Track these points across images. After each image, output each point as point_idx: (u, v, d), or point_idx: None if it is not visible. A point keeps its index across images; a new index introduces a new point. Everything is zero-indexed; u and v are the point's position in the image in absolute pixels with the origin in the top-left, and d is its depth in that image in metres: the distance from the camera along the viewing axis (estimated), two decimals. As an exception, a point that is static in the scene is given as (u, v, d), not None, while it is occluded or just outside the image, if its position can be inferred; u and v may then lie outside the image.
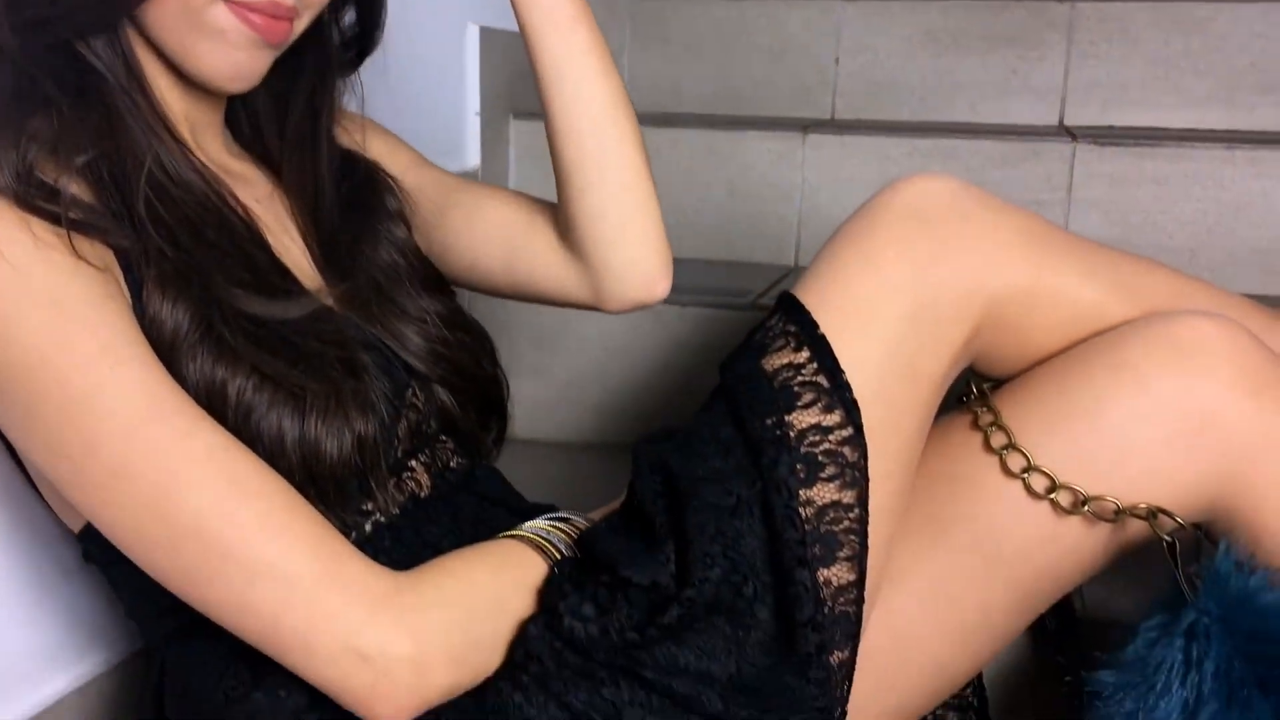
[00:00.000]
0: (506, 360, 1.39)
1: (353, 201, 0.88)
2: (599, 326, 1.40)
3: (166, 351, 0.69)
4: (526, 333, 1.42)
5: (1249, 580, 0.74)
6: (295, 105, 0.86)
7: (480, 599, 0.72)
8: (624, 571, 0.71)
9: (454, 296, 0.95)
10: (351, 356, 0.75)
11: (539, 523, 0.80)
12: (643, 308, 0.94)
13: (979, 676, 1.00)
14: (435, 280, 0.92)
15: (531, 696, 0.70)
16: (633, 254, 0.90)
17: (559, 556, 0.76)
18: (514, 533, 0.78)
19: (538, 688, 0.70)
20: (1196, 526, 0.81)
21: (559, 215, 0.92)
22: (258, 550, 0.65)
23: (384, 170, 0.93)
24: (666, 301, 1.37)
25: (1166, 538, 0.77)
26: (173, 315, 0.70)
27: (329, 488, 0.72)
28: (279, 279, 0.77)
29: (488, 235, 0.94)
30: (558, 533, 0.79)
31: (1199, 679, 0.72)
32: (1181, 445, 0.78)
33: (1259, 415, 0.78)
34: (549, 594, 0.73)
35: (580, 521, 0.81)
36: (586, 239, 0.89)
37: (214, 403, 0.69)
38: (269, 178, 0.86)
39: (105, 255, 0.70)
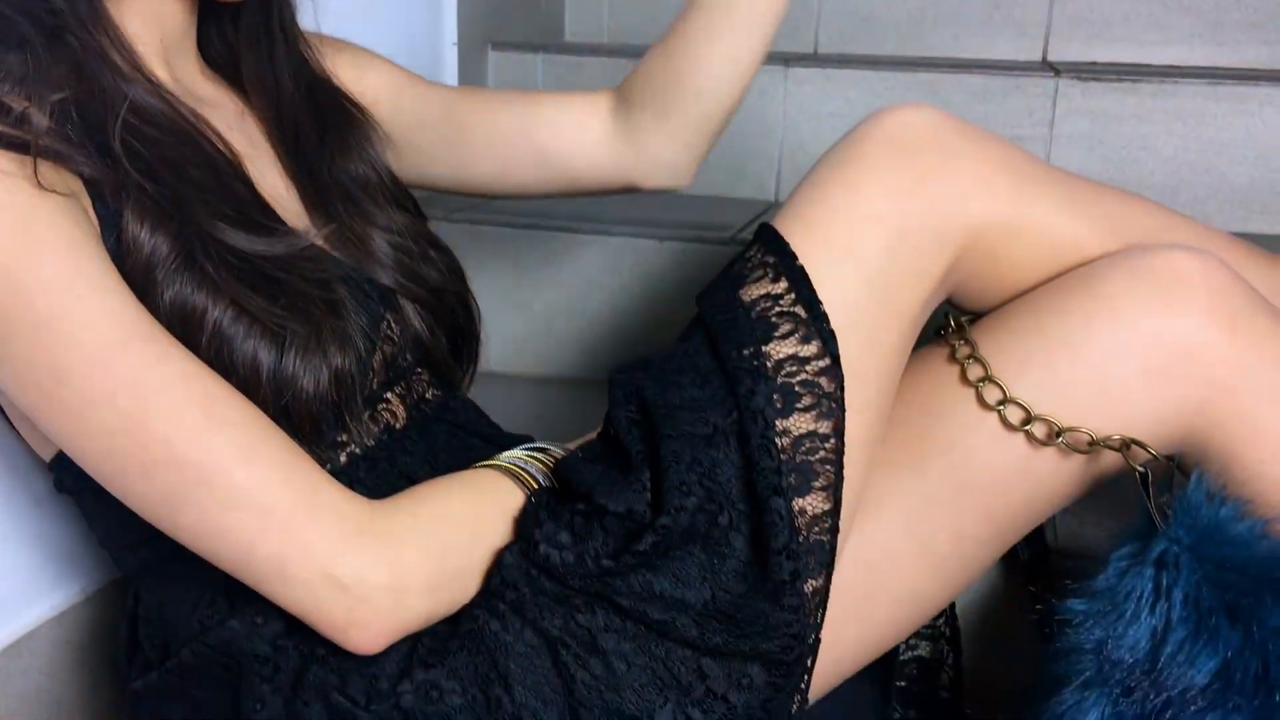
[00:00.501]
0: (485, 294, 1.39)
1: (322, 118, 0.87)
2: (578, 261, 1.39)
3: (141, 277, 0.69)
4: (505, 267, 1.41)
5: (1220, 510, 0.75)
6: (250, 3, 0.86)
7: (456, 528, 0.72)
8: (600, 499, 0.71)
9: (425, 220, 0.94)
10: (336, 299, 0.75)
11: (516, 452, 0.79)
12: (665, 191, 0.97)
13: (952, 607, 1.01)
14: (406, 199, 0.92)
15: (508, 623, 0.70)
16: (688, 138, 0.92)
17: (535, 486, 0.76)
18: (490, 462, 0.78)
19: (514, 614, 0.70)
20: (1169, 458, 0.82)
21: (613, 98, 0.93)
22: (231, 477, 0.65)
23: (352, 95, 0.92)
24: (645, 236, 1.38)
25: (1139, 469, 0.77)
26: (151, 241, 0.69)
27: (303, 422, 0.71)
28: (261, 214, 0.77)
29: (510, 139, 0.93)
30: (534, 463, 0.78)
31: (1168, 607, 0.73)
32: (1157, 378, 0.79)
33: (1235, 349, 0.78)
34: (525, 522, 0.73)
35: (557, 452, 0.81)
36: (660, 116, 0.91)
37: (188, 330, 0.69)
38: (239, 97, 0.85)
39: (73, 184, 0.69)
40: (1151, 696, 0.73)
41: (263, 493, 0.65)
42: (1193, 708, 0.72)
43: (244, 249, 0.72)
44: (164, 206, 0.70)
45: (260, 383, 0.69)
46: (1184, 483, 0.77)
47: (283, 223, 0.78)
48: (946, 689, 1.02)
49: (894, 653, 0.98)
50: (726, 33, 0.89)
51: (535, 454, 0.80)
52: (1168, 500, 0.76)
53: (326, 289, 0.75)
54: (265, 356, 0.69)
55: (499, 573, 0.72)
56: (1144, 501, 0.77)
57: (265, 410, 0.68)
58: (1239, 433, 0.79)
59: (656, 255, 1.38)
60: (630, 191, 0.97)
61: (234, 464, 0.65)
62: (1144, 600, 0.74)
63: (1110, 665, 0.74)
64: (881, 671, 0.98)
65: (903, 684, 1.02)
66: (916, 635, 1.02)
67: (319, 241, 0.80)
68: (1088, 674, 0.75)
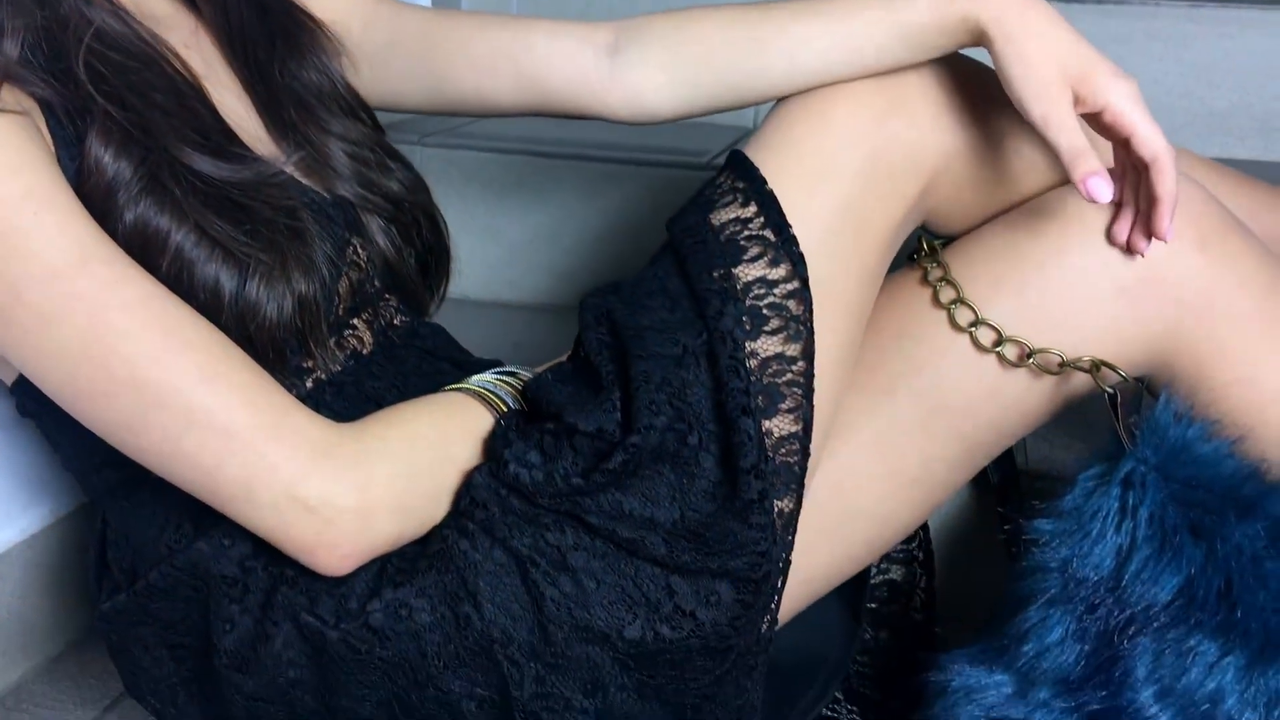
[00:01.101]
0: (460, 221, 1.37)
1: (272, 26, 0.86)
2: (554, 187, 1.38)
3: (102, 200, 0.68)
4: (480, 193, 1.39)
5: (1187, 431, 0.75)
6: None
7: (425, 450, 0.71)
8: (570, 419, 0.71)
9: (383, 132, 0.93)
10: (301, 226, 0.74)
11: (485, 376, 0.79)
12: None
13: (926, 531, 1.02)
14: (362, 110, 0.90)
15: (477, 543, 0.70)
16: (692, 108, 0.86)
17: (505, 409, 0.76)
18: (459, 385, 0.78)
19: (483, 534, 0.70)
20: (1139, 380, 0.82)
21: (616, 39, 0.86)
22: (194, 399, 0.64)
23: (308, 8, 0.90)
24: (621, 162, 1.36)
25: (1108, 390, 0.78)
26: (116, 165, 0.68)
27: (267, 348, 0.71)
28: (225, 140, 0.76)
29: (495, 63, 0.89)
30: (504, 386, 0.78)
31: (1133, 526, 0.74)
32: (1129, 299, 0.79)
33: (1206, 269, 0.78)
34: (494, 443, 0.73)
35: (526, 375, 0.80)
36: (675, 84, 0.85)
37: (148, 253, 0.68)
38: (191, 13, 0.84)
39: (25, 102, 0.68)
40: (1115, 613, 0.74)
41: (225, 414, 0.65)
42: (1155, 624, 0.73)
43: (210, 174, 0.72)
44: (130, 131, 0.69)
45: (222, 308, 0.69)
46: (1153, 404, 0.77)
47: (248, 149, 0.77)
48: (918, 611, 1.03)
49: (866, 575, 0.99)
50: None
51: (505, 378, 0.79)
52: (1135, 421, 0.77)
53: (292, 216, 0.74)
54: (227, 282, 0.69)
55: (468, 493, 0.71)
56: (1113, 422, 0.77)
57: (226, 334, 0.68)
58: (1207, 353, 0.79)
59: (633, 181, 1.36)
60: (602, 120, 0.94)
61: (195, 385, 0.64)
62: (1110, 519, 0.75)
63: (1075, 583, 0.75)
64: (853, 594, 0.99)
65: (874, 606, 1.03)
66: (889, 559, 1.03)
67: (288, 169, 0.79)
68: (1052, 592, 0.76)
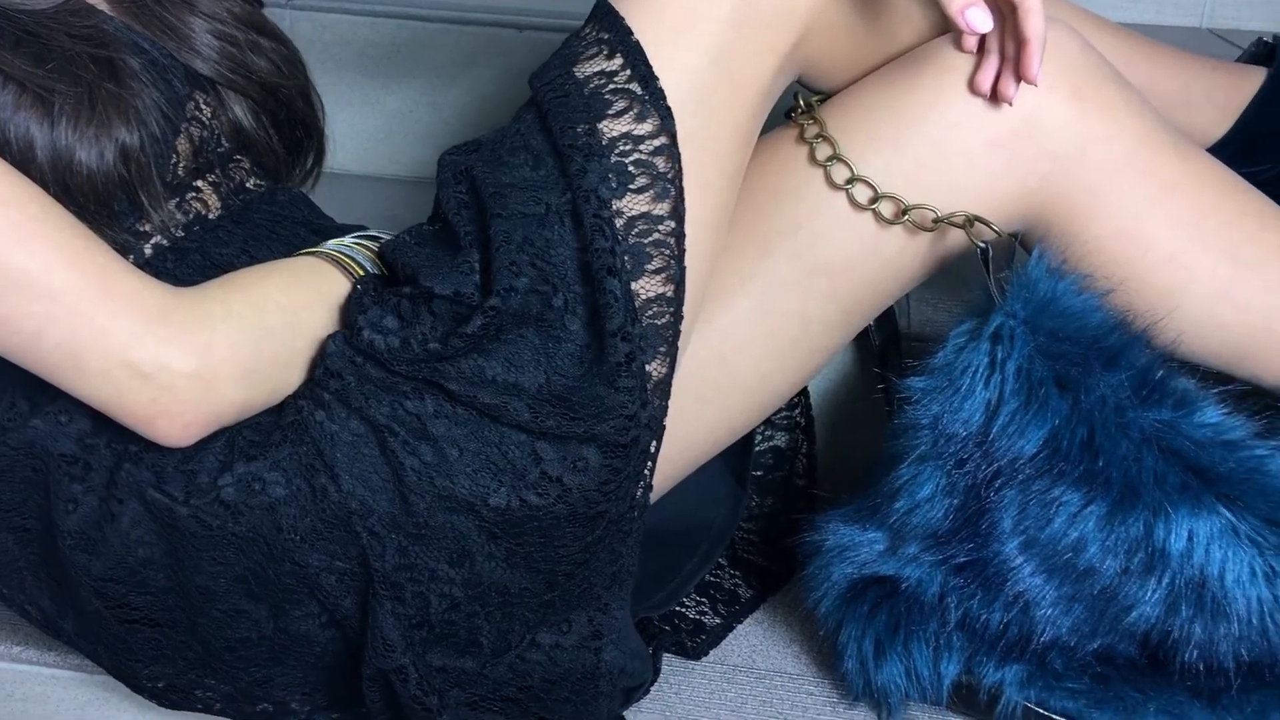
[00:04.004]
0: (334, 90, 1.31)
1: None
2: (433, 53, 1.32)
3: None
4: (355, 60, 1.33)
5: (1058, 284, 0.75)
6: None
7: (272, 314, 0.68)
8: (426, 282, 0.68)
9: (259, 4, 0.87)
10: (110, 56, 0.68)
11: (342, 240, 0.76)
12: None
13: (806, 397, 1.02)
14: None
15: (333, 413, 0.68)
16: None
17: (362, 273, 0.73)
18: (313, 249, 0.74)
19: (339, 404, 0.68)
20: (1013, 235, 0.81)
21: None
22: (9, 259, 0.60)
23: None
24: (504, 25, 1.31)
25: (980, 245, 0.77)
26: None
27: (89, 202, 0.66)
28: None
29: None
30: (362, 250, 0.75)
31: (1001, 380, 0.74)
32: (1004, 151, 0.77)
33: (1079, 120, 0.77)
34: (349, 309, 0.70)
35: (387, 238, 0.77)
36: None
37: None
38: None
39: None
40: (983, 467, 0.74)
41: (46, 276, 0.61)
42: (1020, 476, 0.74)
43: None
44: None
45: (36, 160, 0.64)
46: (1027, 259, 0.76)
47: None
48: (801, 476, 1.04)
49: (750, 442, 0.99)
50: None
51: (363, 241, 0.76)
52: (1007, 276, 0.76)
53: (99, 46, 0.68)
54: (38, 131, 0.64)
55: (323, 362, 0.69)
56: (984, 278, 0.77)
57: (45, 191, 0.63)
58: (1081, 206, 0.78)
59: (517, 45, 1.31)
60: None
61: (9, 245, 0.60)
62: (979, 374, 0.75)
63: (945, 439, 0.75)
64: (738, 461, 0.99)
65: (760, 473, 1.03)
66: (773, 425, 1.03)
67: (97, 3, 0.73)
68: (923, 449, 0.76)
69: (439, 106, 1.33)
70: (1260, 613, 0.70)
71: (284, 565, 0.68)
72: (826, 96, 0.85)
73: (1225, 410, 0.72)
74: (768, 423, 1.02)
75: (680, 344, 0.75)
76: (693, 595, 0.95)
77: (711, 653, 0.89)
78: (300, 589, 0.68)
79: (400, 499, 0.68)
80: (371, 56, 1.33)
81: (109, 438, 0.68)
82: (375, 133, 1.34)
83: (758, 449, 1.02)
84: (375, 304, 0.69)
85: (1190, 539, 0.70)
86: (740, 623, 0.93)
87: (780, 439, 1.04)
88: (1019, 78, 0.74)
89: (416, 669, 0.69)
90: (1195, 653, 0.72)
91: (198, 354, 0.63)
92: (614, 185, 0.71)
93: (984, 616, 0.76)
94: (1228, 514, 0.69)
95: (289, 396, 0.70)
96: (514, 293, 0.68)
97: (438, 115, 1.33)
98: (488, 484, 0.68)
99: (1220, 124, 0.97)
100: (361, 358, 0.68)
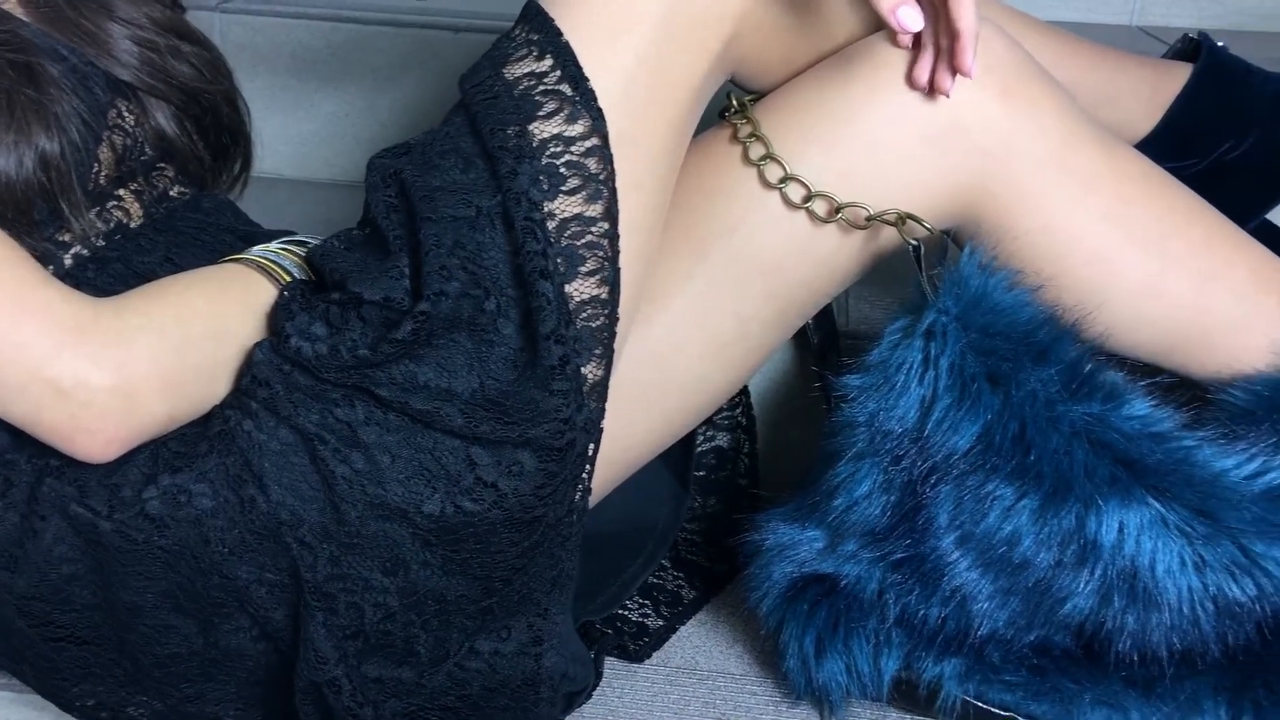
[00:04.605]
0: (267, 94, 1.29)
1: None
2: (369, 56, 1.30)
3: None
4: (288, 64, 1.31)
5: (989, 280, 0.75)
6: None
7: (195, 324, 0.67)
8: (355, 287, 0.67)
9: (181, 9, 0.85)
10: (29, 61, 0.66)
11: (269, 245, 0.74)
12: None
13: (747, 397, 1.02)
14: None
15: (261, 423, 0.67)
16: None
17: (289, 279, 0.72)
18: (238, 256, 0.73)
19: (267, 413, 0.67)
20: (945, 232, 0.82)
21: None
22: None
23: None
24: (439, 27, 1.30)
25: (912, 243, 0.77)
26: None
27: (7, 210, 0.65)
28: None
29: None
30: (289, 255, 0.74)
31: (935, 376, 0.74)
32: (934, 149, 0.78)
33: (1006, 117, 0.77)
34: (277, 317, 0.69)
35: (316, 243, 0.76)
36: None
37: None
38: None
39: None
40: (918, 463, 0.75)
41: None
42: (955, 471, 0.74)
43: None
44: None
45: None
46: (959, 255, 0.77)
47: None
48: (744, 476, 1.04)
49: (692, 443, 0.99)
50: None
51: (290, 247, 0.74)
52: (939, 273, 0.76)
53: (16, 52, 0.66)
54: None
55: (250, 370, 0.67)
56: (916, 275, 0.77)
57: None
58: (1011, 202, 0.79)
59: (453, 48, 1.30)
60: None
61: None
62: (913, 371, 0.75)
63: (881, 436, 0.76)
64: (680, 462, 0.99)
65: (703, 474, 1.03)
66: (714, 425, 1.03)
67: (13, 10, 0.71)
68: (860, 446, 0.76)
69: (375, 109, 1.32)
70: (1191, 602, 0.71)
71: (212, 579, 0.66)
72: (760, 96, 0.85)
73: (1153, 403, 0.73)
74: (710, 423, 1.02)
75: (616, 346, 0.74)
76: (636, 597, 0.95)
77: (655, 655, 0.89)
78: (230, 602, 0.67)
79: (332, 508, 0.67)
80: (305, 60, 1.31)
81: (30, 453, 0.66)
82: (310, 137, 1.33)
83: (700, 449, 1.02)
84: (303, 310, 0.68)
85: (1121, 530, 0.70)
86: (683, 624, 0.93)
87: (723, 439, 1.04)
88: (954, 70, 0.74)
89: (350, 680, 0.68)
90: (1129, 642, 0.72)
91: (116, 368, 0.62)
92: (545, 187, 0.70)
93: (922, 612, 0.76)
94: (1157, 505, 0.70)
95: (216, 406, 0.68)
96: (445, 297, 0.67)
97: (374, 118, 1.32)
98: (421, 491, 0.68)
99: (1148, 119, 0.98)
100: (290, 365, 0.67)
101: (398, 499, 0.67)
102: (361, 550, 0.67)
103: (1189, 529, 0.70)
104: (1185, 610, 0.71)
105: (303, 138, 1.33)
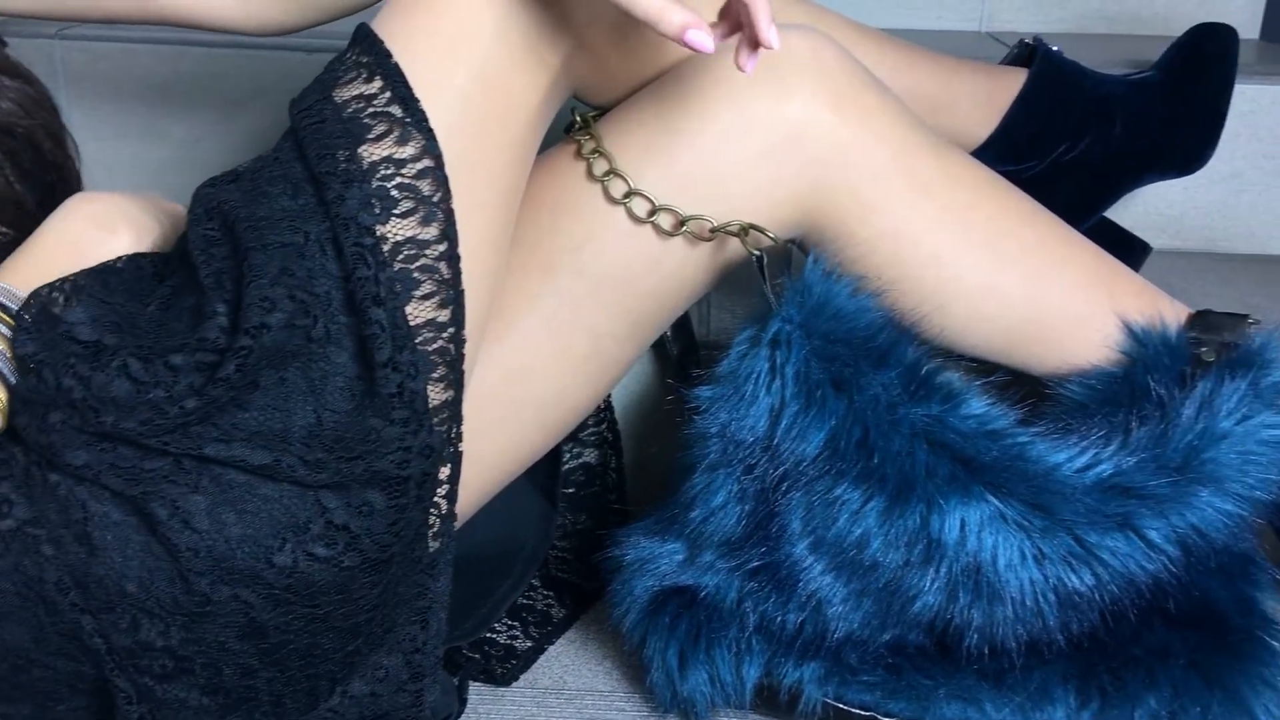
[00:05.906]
0: (112, 120, 1.25)
1: None
2: (219, 80, 1.27)
3: None
4: (137, 90, 1.27)
5: (832, 287, 0.76)
6: None
7: None
8: (152, 338, 0.64)
9: (3, 43, 0.82)
10: None
11: None
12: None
13: (611, 411, 1.02)
14: None
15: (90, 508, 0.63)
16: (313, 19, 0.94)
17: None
18: None
19: (85, 496, 0.63)
20: (790, 241, 0.83)
21: None
22: None
23: None
24: (291, 49, 1.27)
25: (755, 253, 0.78)
26: None
27: None
28: None
29: None
30: None
31: (782, 384, 0.75)
32: (773, 160, 0.78)
33: (841, 126, 0.78)
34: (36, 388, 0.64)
35: (19, 294, 0.68)
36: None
37: None
38: None
39: None
40: (770, 472, 0.75)
41: None
42: (804, 478, 0.75)
43: None
44: None
45: None
46: (805, 263, 0.78)
47: None
48: (612, 491, 1.04)
49: (558, 461, 0.98)
50: None
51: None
52: (783, 282, 0.77)
53: None
54: None
55: (63, 454, 0.64)
56: (760, 285, 0.78)
57: None
58: (851, 210, 0.80)
59: (305, 70, 1.27)
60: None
61: None
62: (761, 380, 0.76)
63: (734, 446, 0.76)
64: (547, 480, 0.98)
65: (571, 490, 1.02)
66: (580, 442, 1.02)
67: None
68: (713, 457, 0.77)
69: (229, 134, 1.29)
70: (1033, 594, 0.72)
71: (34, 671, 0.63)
72: (603, 112, 0.85)
73: (990, 401, 0.75)
74: (575, 440, 1.01)
75: (466, 366, 0.73)
76: (504, 619, 0.94)
77: (522, 676, 0.88)
78: (60, 688, 0.64)
79: (180, 579, 0.64)
80: (154, 86, 1.28)
81: None
82: (162, 164, 1.29)
83: (568, 466, 1.02)
84: (96, 370, 0.63)
85: (963, 528, 0.72)
86: (552, 644, 0.92)
87: (590, 455, 1.03)
88: (754, 46, 0.72)
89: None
90: (977, 637, 0.74)
91: None
92: (376, 211, 0.69)
93: (780, 618, 0.77)
94: (995, 501, 0.72)
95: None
96: (266, 329, 0.65)
97: (228, 143, 1.29)
98: (269, 544, 0.65)
99: (985, 124, 1.01)
100: (105, 441, 0.64)
101: (246, 558, 0.65)
102: (213, 618, 0.65)
103: (1026, 523, 0.72)
104: (1028, 602, 0.72)
105: (155, 164, 1.29)
